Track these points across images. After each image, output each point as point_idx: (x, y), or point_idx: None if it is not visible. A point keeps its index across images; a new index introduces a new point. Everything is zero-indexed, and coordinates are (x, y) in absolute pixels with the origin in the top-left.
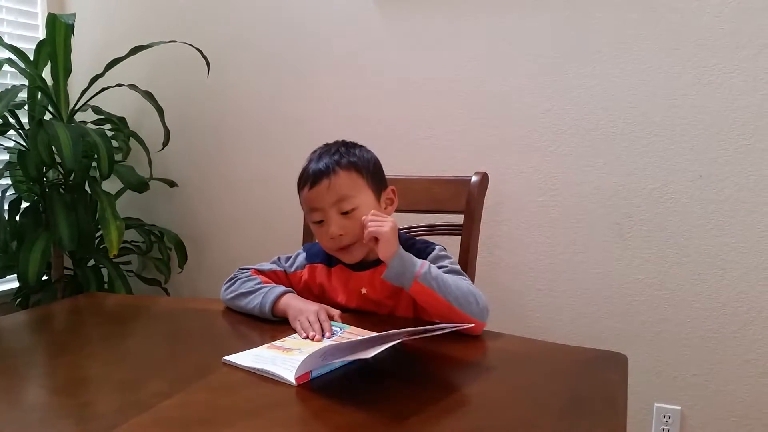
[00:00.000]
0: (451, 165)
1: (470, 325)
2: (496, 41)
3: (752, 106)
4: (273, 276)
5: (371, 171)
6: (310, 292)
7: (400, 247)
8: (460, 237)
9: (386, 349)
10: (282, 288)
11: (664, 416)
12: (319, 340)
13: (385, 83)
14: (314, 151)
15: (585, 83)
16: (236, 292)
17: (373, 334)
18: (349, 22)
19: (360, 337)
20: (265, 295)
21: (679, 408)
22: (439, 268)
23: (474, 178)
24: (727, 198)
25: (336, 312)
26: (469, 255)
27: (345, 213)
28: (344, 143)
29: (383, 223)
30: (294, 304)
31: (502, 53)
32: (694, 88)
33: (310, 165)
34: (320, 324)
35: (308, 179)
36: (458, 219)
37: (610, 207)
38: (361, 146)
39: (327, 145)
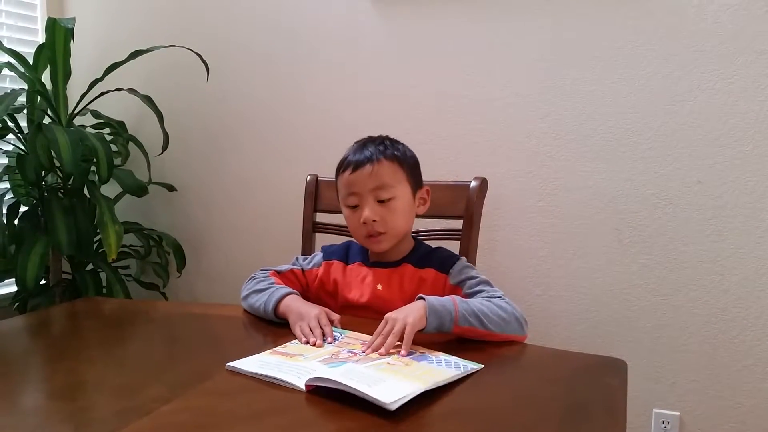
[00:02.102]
0: (450, 170)
1: (476, 368)
2: (495, 46)
3: (751, 112)
4: (290, 275)
5: (411, 167)
6: (324, 288)
7: (427, 300)
8: (459, 242)
9: (410, 399)
10: (286, 290)
11: (663, 422)
12: (320, 346)
13: (383, 88)
14: (357, 141)
15: (584, 88)
16: (251, 290)
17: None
18: (348, 27)
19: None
20: (271, 295)
21: (678, 414)
22: (469, 279)
23: (473, 183)
24: (725, 203)
25: (336, 317)
26: (468, 260)
27: (381, 201)
28: (388, 138)
29: (396, 324)
30: (294, 307)
31: (500, 58)
32: (693, 94)
33: (354, 152)
34: (321, 329)
35: (351, 163)
36: (457, 224)
37: (608, 212)
38: (403, 143)
39: (371, 137)
